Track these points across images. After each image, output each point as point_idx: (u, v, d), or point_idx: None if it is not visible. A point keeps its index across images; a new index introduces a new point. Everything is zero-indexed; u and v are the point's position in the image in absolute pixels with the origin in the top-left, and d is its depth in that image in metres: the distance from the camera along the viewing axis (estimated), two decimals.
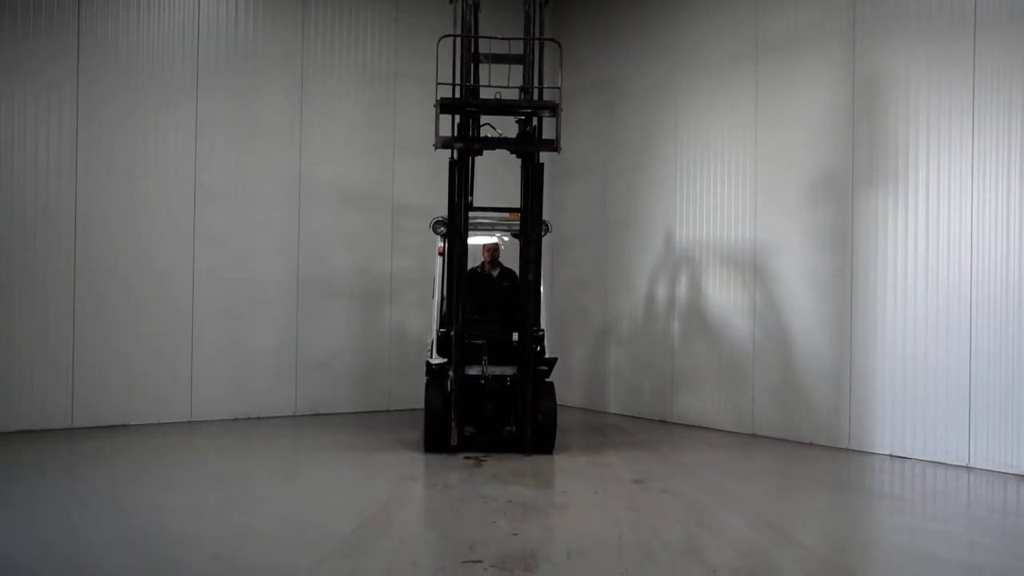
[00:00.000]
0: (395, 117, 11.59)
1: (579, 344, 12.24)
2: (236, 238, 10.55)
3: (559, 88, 8.57)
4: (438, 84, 8.45)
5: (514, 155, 8.74)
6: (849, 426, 9.03)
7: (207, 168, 10.32)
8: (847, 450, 8.96)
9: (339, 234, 11.26)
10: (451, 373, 8.46)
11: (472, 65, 8.60)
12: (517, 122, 8.69)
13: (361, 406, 11.29)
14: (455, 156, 8.54)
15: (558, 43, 8.70)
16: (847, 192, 9.11)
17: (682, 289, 10.89)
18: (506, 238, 9.73)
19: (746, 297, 10.11)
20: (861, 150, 9.01)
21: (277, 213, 10.85)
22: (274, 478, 7.62)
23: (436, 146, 8.28)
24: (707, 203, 10.58)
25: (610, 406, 11.80)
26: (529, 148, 8.42)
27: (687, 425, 10.61)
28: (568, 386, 11.81)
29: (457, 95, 8.39)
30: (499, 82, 8.77)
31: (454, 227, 8.52)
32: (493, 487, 7.06)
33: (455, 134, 8.44)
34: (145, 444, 8.86)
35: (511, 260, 9.51)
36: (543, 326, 8.80)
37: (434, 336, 9.03)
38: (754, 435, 9.86)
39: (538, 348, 8.58)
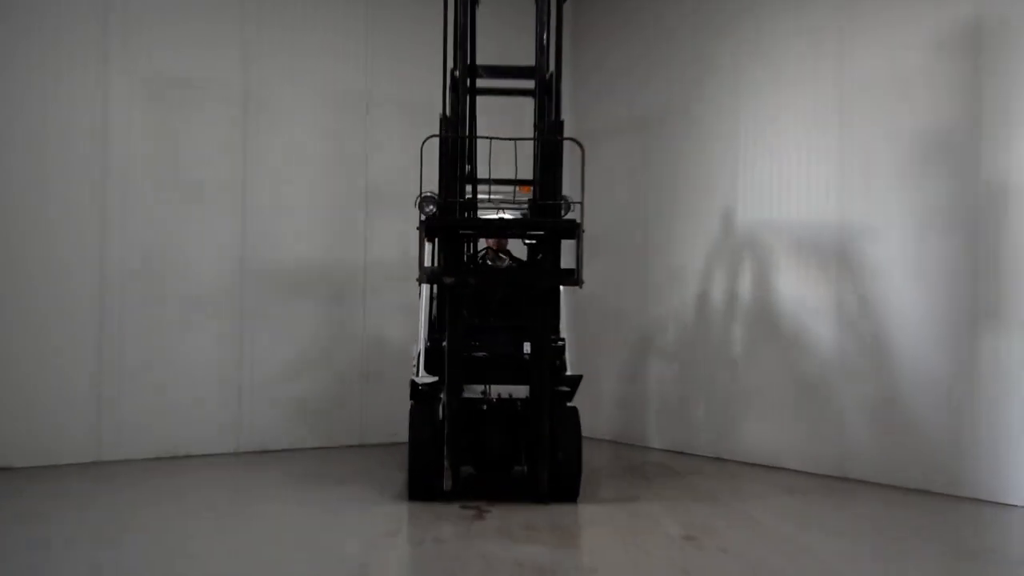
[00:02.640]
0: (369, 69, 11.57)
1: (611, 358, 12.30)
2: (161, 224, 10.40)
3: (581, 203, 8.26)
4: (421, 197, 8.40)
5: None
6: (975, 468, 8.68)
7: (124, 139, 10.17)
8: (972, 499, 8.65)
9: (297, 212, 11.22)
10: (443, 396, 8.32)
11: (469, 164, 8.52)
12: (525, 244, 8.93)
13: (325, 440, 11.26)
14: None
15: (580, 144, 8.47)
16: (971, 153, 8.73)
17: (745, 286, 10.81)
18: None
19: (831, 295, 9.91)
20: (989, 97, 8.59)
21: (215, 193, 10.73)
22: (212, 536, 7.33)
23: (420, 281, 8.51)
24: (778, 175, 10.50)
25: (651, 439, 11.82)
26: (545, 284, 8.36)
27: (753, 464, 10.57)
28: (597, 413, 11.80)
29: (446, 202, 8.31)
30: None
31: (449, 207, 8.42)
32: (498, 545, 6.92)
33: (443, 263, 8.38)
34: (35, 488, 8.66)
35: (521, 250, 9.64)
36: (564, 334, 8.86)
37: (421, 348, 8.94)
38: (844, 478, 9.69)
39: (557, 363, 8.60)
